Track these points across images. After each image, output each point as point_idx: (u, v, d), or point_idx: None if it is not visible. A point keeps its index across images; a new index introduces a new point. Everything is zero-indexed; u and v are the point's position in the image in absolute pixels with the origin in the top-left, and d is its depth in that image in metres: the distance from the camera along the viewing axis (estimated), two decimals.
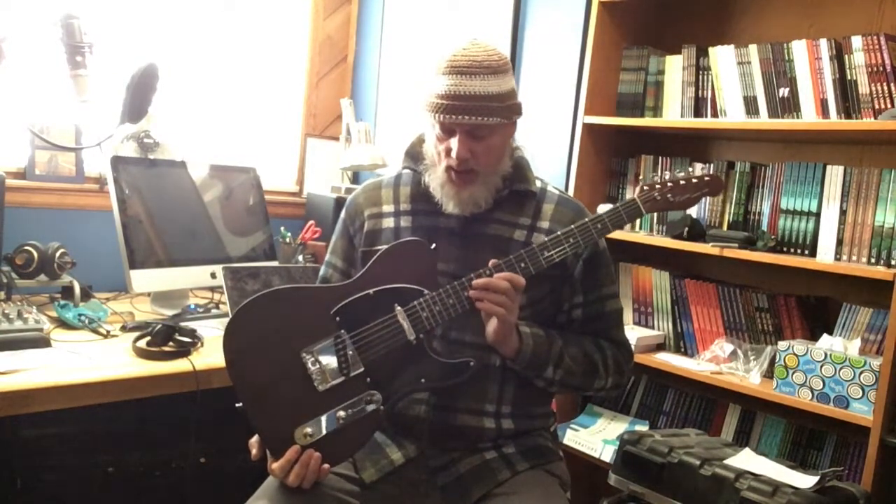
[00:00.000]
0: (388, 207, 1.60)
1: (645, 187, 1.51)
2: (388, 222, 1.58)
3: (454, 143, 1.43)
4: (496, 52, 1.45)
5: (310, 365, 1.40)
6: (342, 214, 1.67)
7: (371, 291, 1.41)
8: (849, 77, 1.98)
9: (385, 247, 1.45)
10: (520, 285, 1.38)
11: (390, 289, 1.41)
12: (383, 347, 1.40)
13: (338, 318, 1.41)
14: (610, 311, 1.57)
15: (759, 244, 2.11)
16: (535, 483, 1.47)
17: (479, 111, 1.40)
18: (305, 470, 1.36)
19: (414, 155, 1.58)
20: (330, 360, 1.40)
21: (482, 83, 1.41)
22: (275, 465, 1.38)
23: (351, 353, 1.40)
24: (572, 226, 1.44)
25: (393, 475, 1.48)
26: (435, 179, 1.51)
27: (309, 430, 1.38)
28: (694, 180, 1.51)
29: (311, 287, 1.50)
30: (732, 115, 2.20)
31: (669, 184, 1.50)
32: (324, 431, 1.39)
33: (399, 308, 1.40)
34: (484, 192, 1.50)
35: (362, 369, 1.40)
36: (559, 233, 1.44)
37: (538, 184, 1.59)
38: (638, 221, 2.46)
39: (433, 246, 1.45)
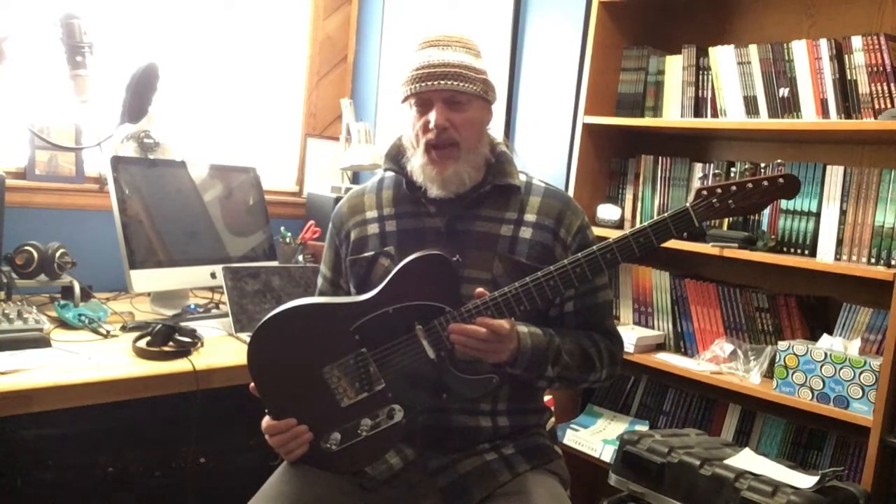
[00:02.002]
0: (371, 213, 1.59)
1: (703, 192, 1.35)
2: (373, 228, 1.57)
3: (432, 115, 1.45)
4: (469, 38, 1.51)
5: (332, 381, 1.40)
6: (329, 226, 1.67)
7: (390, 309, 1.39)
8: (849, 77, 1.98)
9: (406, 260, 1.40)
10: (502, 333, 1.34)
11: (410, 306, 1.39)
12: (404, 365, 1.39)
13: (357, 336, 1.40)
14: (601, 302, 1.56)
15: (759, 244, 2.11)
16: (536, 483, 1.47)
17: (455, 77, 1.44)
18: (292, 440, 1.41)
19: (394, 155, 1.58)
20: (352, 377, 1.40)
21: (456, 54, 1.46)
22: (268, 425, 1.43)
23: (372, 370, 1.40)
24: (594, 248, 1.37)
25: (392, 478, 1.48)
26: (416, 165, 1.50)
27: (330, 439, 1.41)
28: (765, 183, 1.33)
29: (331, 303, 1.47)
30: (732, 115, 2.20)
31: (733, 188, 1.34)
32: (346, 443, 1.41)
33: (419, 327, 1.38)
34: (467, 168, 1.48)
35: (384, 385, 1.40)
36: (578, 256, 1.37)
37: (522, 177, 1.57)
38: (637, 221, 2.45)
39: (456, 258, 1.43)
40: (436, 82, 1.43)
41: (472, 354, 1.36)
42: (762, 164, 2.14)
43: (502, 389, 1.50)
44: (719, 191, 1.34)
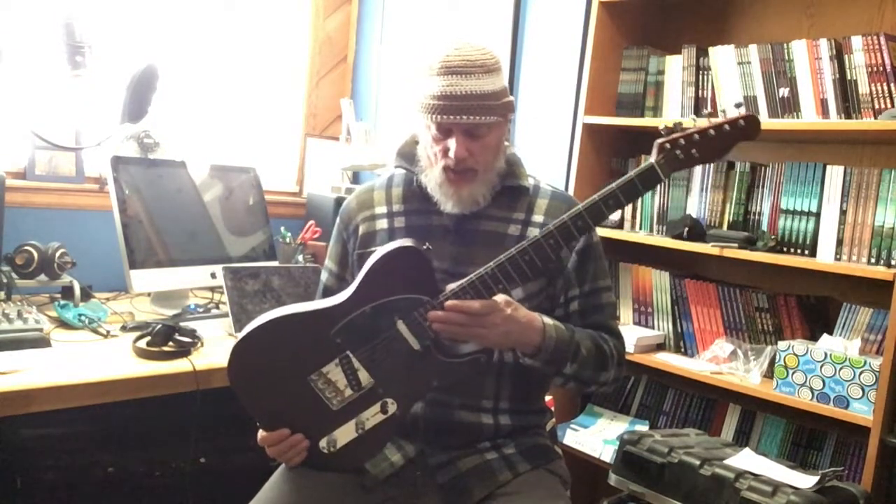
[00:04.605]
0: (380, 209, 1.60)
1: (665, 146, 1.31)
2: (382, 224, 1.58)
3: (452, 143, 1.43)
4: (488, 52, 1.45)
5: (319, 388, 1.40)
6: (337, 220, 1.67)
7: (368, 308, 1.38)
8: (849, 77, 1.98)
9: (376, 256, 1.39)
10: (471, 311, 1.33)
11: (388, 302, 1.37)
12: (390, 360, 1.39)
13: (338, 340, 1.39)
14: (606, 302, 1.56)
15: (759, 244, 2.12)
16: (536, 483, 1.47)
17: (477, 110, 1.40)
18: (290, 449, 1.42)
19: (406, 155, 1.58)
20: (339, 380, 1.40)
21: (478, 82, 1.40)
22: (265, 436, 1.44)
23: (359, 369, 1.39)
24: (565, 216, 1.35)
25: (393, 477, 1.48)
26: (432, 180, 1.50)
27: (327, 441, 1.42)
28: (727, 127, 1.29)
29: (306, 311, 1.43)
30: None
31: (696, 136, 1.30)
32: (343, 441, 1.42)
33: (400, 321, 1.37)
34: (483, 189, 1.49)
35: (373, 382, 1.40)
36: (549, 227, 1.35)
37: (531, 180, 1.58)
38: (638, 221, 2.45)
39: (426, 246, 1.40)
40: (457, 117, 1.40)
41: (461, 339, 1.37)
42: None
43: (504, 388, 1.51)
44: (682, 141, 1.29)
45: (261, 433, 1.44)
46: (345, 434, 1.41)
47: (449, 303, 1.33)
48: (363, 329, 1.38)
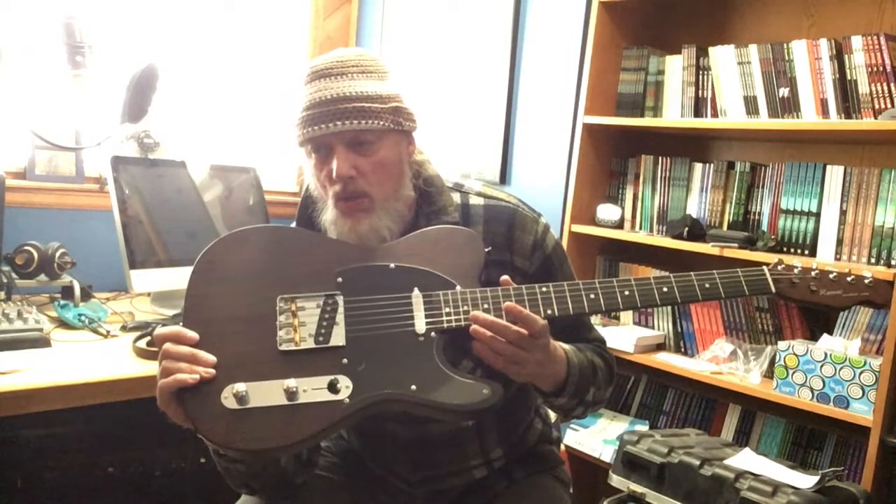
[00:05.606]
0: None
1: (780, 266, 1.23)
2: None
3: (335, 163, 1.19)
4: (372, 57, 1.24)
5: (280, 315, 1.12)
6: None
7: (392, 265, 1.17)
8: (849, 77, 1.98)
9: (434, 227, 1.21)
10: (538, 333, 1.10)
11: (416, 270, 1.16)
12: (379, 328, 1.12)
13: (339, 279, 1.15)
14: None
15: (759, 244, 2.12)
16: (535, 484, 1.45)
17: (356, 114, 1.17)
18: (183, 364, 1.09)
19: (303, 209, 1.33)
20: (308, 319, 1.12)
21: (352, 83, 1.19)
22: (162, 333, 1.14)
23: (337, 324, 1.12)
24: (651, 280, 1.18)
25: (380, 480, 1.40)
26: (328, 220, 1.24)
27: (241, 389, 1.05)
28: (850, 279, 1.22)
29: (326, 238, 1.22)
30: (732, 115, 2.20)
31: (814, 272, 1.22)
32: (258, 402, 1.06)
33: (418, 291, 1.14)
34: (386, 220, 1.22)
35: (342, 344, 1.10)
36: (631, 281, 1.18)
37: (456, 198, 1.30)
38: (638, 221, 2.45)
39: (488, 249, 1.21)
40: (332, 124, 1.17)
41: (490, 353, 1.11)
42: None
43: (489, 439, 1.32)
44: (798, 270, 1.22)
45: (165, 329, 1.13)
46: (264, 395, 1.06)
47: (507, 304, 1.11)
48: (373, 282, 1.16)
